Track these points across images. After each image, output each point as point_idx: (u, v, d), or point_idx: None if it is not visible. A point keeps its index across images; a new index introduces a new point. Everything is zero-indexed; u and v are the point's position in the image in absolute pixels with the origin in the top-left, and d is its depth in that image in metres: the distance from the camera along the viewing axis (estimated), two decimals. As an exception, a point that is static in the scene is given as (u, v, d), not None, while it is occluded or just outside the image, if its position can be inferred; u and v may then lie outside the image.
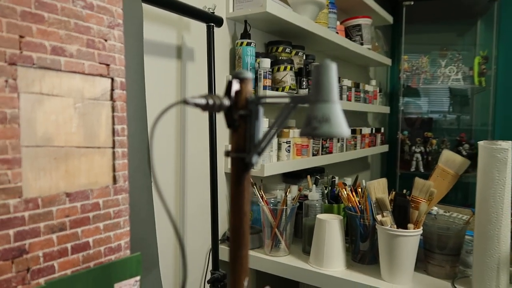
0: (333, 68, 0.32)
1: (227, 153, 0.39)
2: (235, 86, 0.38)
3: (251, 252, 1.18)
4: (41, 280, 0.45)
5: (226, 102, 0.37)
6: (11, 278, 0.42)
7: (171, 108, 0.32)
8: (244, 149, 0.38)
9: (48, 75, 0.45)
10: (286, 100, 0.36)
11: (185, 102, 0.34)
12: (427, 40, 2.60)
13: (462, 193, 2.49)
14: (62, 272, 0.46)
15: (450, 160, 1.05)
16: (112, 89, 0.52)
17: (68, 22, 0.47)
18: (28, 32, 0.43)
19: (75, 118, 0.48)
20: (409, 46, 2.44)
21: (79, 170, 0.48)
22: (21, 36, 0.43)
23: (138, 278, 0.52)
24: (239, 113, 0.38)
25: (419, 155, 2.43)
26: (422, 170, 2.42)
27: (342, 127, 0.32)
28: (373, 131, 2.06)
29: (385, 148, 2.22)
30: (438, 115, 2.63)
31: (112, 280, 0.50)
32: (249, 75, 0.38)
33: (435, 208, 1.29)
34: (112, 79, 0.53)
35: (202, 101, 0.35)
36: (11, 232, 0.42)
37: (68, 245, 0.47)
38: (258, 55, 1.28)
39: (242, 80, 0.38)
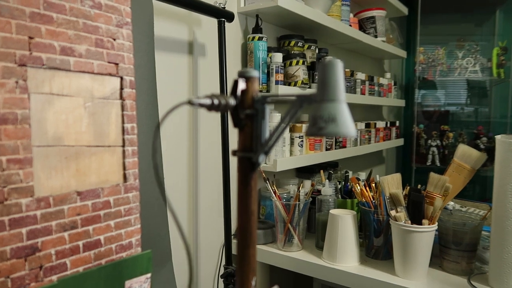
0: (339, 66, 0.32)
1: (234, 153, 0.39)
2: (241, 85, 0.37)
3: (265, 247, 1.18)
4: (54, 277, 0.46)
5: (232, 101, 0.37)
6: (24, 275, 0.43)
7: (175, 109, 0.32)
8: (251, 148, 0.38)
9: (57, 75, 0.46)
10: (293, 98, 0.35)
11: (190, 102, 0.34)
12: (443, 31, 2.53)
13: (480, 188, 2.43)
14: (74, 269, 0.47)
15: (466, 155, 1.02)
16: (122, 88, 0.53)
17: (76, 22, 0.48)
18: (37, 33, 0.44)
19: (85, 118, 0.49)
20: (425, 37, 2.38)
21: (89, 169, 0.49)
22: (30, 37, 0.43)
23: (148, 275, 0.53)
24: (245, 113, 0.37)
25: (435, 149, 2.39)
26: (438, 164, 2.37)
27: (349, 127, 0.31)
28: (388, 124, 2.03)
29: (400, 142, 2.18)
30: (455, 107, 2.57)
31: (123, 277, 0.50)
32: (255, 73, 0.38)
33: (451, 203, 1.27)
34: (121, 78, 0.53)
35: (207, 101, 0.35)
36: (23, 230, 0.43)
37: (80, 243, 0.48)
38: (270, 49, 1.27)
39: (248, 79, 0.37)
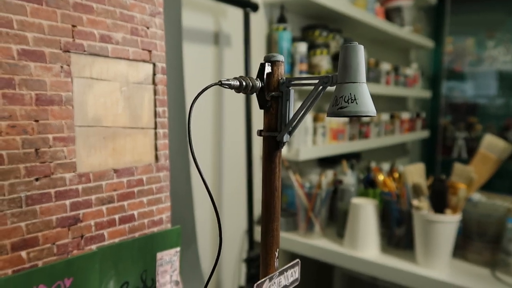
0: (360, 50, 0.33)
1: (259, 132, 0.41)
2: (267, 68, 0.40)
3: (286, 234, 1.21)
4: (93, 247, 0.50)
5: (259, 84, 0.39)
6: (67, 243, 0.48)
7: (207, 89, 0.35)
8: (276, 128, 0.40)
9: (97, 61, 0.50)
10: (315, 81, 0.37)
11: (220, 83, 0.36)
12: (474, 21, 2.46)
13: (511, 181, 2.37)
14: (111, 240, 0.51)
15: (492, 145, 1.01)
16: (154, 74, 0.56)
17: (114, 12, 0.51)
18: (80, 22, 0.48)
19: (121, 101, 0.52)
20: (454, 27, 2.32)
21: (124, 149, 0.53)
22: (73, 26, 0.47)
23: (178, 249, 0.56)
24: (271, 95, 0.40)
25: (462, 141, 2.34)
26: (465, 156, 2.32)
27: (369, 106, 0.33)
28: (413, 116, 2.00)
29: (425, 133, 2.15)
30: (485, 99, 2.50)
31: (155, 249, 0.54)
32: (281, 58, 0.40)
33: (478, 195, 1.25)
34: (154, 64, 0.56)
35: (236, 83, 0.38)
36: (67, 202, 0.47)
37: (116, 217, 0.52)
38: (294, 39, 1.28)
39: (273, 63, 0.40)
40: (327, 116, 0.35)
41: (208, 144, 1.12)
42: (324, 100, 1.56)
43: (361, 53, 0.34)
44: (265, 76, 0.40)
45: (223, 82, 0.37)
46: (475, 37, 2.38)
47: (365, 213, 1.07)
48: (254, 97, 1.18)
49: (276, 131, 0.40)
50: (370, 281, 1.34)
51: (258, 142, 1.27)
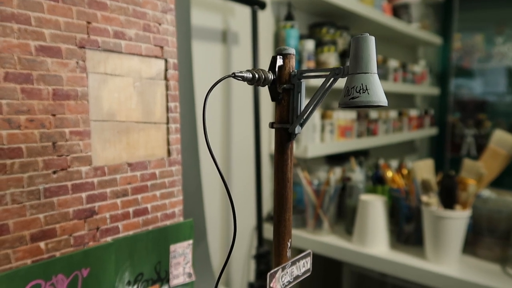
0: (371, 41, 0.34)
1: (271, 125, 0.42)
2: (279, 61, 0.40)
3: (295, 231, 1.21)
4: (108, 239, 0.51)
5: (271, 76, 0.40)
6: (84, 235, 0.49)
7: (221, 81, 0.36)
8: (288, 120, 0.41)
9: (111, 57, 0.51)
10: (327, 73, 0.38)
11: (233, 75, 0.37)
12: (483, 17, 2.44)
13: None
14: (125, 233, 0.52)
15: (502, 140, 1.01)
16: (166, 69, 0.57)
17: (127, 8, 0.52)
18: (94, 18, 0.49)
19: (134, 96, 0.53)
20: (462, 23, 2.30)
21: (138, 143, 0.54)
22: (88, 22, 0.48)
23: (191, 241, 0.57)
24: (283, 87, 0.40)
25: (471, 138, 2.33)
26: (474, 153, 2.31)
27: (381, 96, 0.34)
28: (422, 113, 1.99)
29: (434, 131, 2.14)
30: (494, 96, 2.48)
31: (169, 241, 0.55)
32: (292, 51, 0.41)
33: (488, 192, 1.25)
34: (166, 60, 0.57)
35: (249, 75, 0.38)
36: (83, 195, 0.48)
37: (130, 210, 0.53)
38: (301, 37, 1.29)
39: (285, 56, 0.40)
40: (339, 106, 0.36)
41: (217, 143, 1.13)
42: (332, 97, 1.56)
43: (372, 44, 0.35)
44: (276, 69, 0.40)
45: (236, 74, 0.37)
46: (484, 33, 2.36)
47: (374, 209, 1.07)
48: (262, 93, 1.19)
49: (288, 123, 0.41)
50: (379, 278, 1.34)
51: (266, 140, 1.28)
